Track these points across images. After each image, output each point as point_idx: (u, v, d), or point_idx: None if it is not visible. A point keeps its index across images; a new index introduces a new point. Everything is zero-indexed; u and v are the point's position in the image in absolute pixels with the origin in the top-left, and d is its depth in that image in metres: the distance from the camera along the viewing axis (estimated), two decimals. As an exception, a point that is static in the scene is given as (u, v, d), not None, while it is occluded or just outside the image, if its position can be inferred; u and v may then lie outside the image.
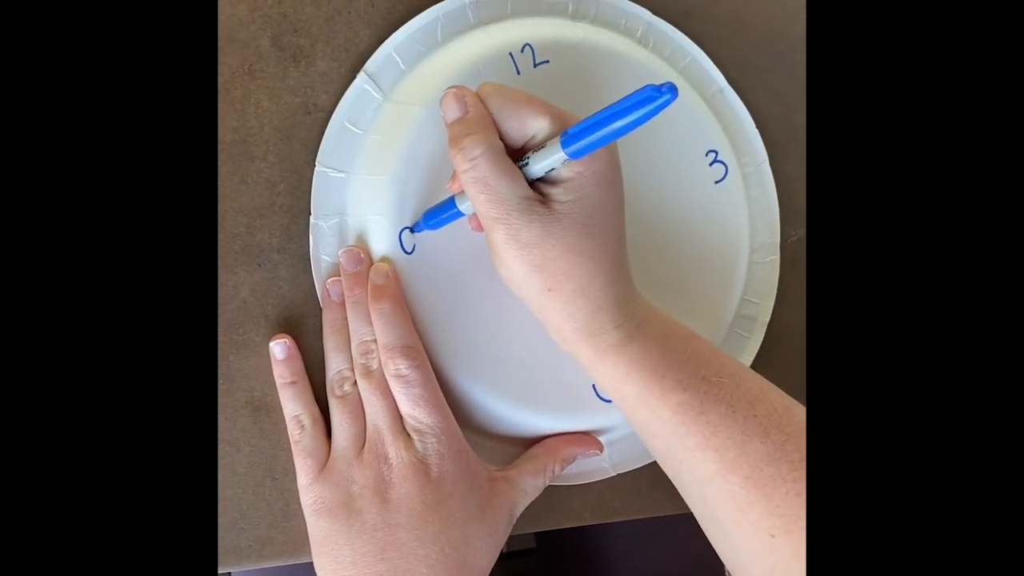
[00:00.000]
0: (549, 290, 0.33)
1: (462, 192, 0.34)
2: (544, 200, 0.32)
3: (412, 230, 0.37)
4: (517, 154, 0.32)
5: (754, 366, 0.44)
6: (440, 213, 0.36)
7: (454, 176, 0.34)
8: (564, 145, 0.30)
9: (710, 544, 0.36)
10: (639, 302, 0.35)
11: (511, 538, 0.43)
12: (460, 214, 0.35)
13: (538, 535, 0.64)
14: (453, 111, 0.33)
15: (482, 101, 0.33)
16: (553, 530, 0.42)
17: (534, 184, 0.32)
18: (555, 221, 0.31)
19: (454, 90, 0.33)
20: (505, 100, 0.33)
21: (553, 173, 0.32)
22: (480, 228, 0.34)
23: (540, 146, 0.31)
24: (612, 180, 0.33)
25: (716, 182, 0.41)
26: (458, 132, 0.32)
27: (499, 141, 0.32)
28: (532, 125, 0.32)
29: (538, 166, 0.31)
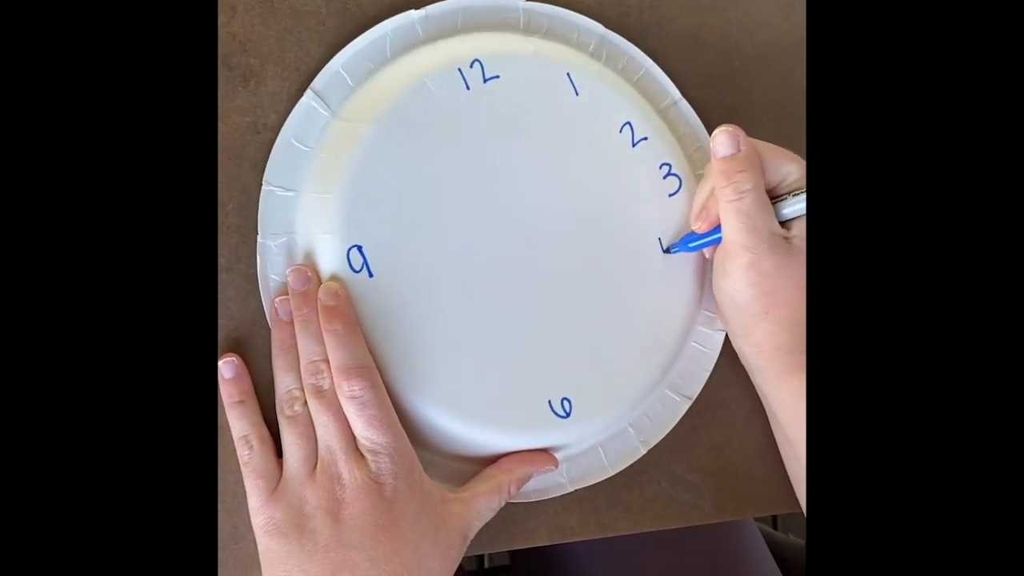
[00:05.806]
0: (766, 312, 0.38)
1: (718, 224, 0.39)
2: (787, 237, 0.37)
3: (669, 251, 0.41)
4: (768, 194, 0.38)
5: (712, 379, 0.44)
6: (702, 238, 0.40)
7: (700, 214, 0.40)
8: None
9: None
10: None
11: (487, 555, 0.43)
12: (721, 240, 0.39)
13: (513, 551, 0.63)
14: (727, 147, 0.37)
15: None
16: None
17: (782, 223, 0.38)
18: (792, 256, 0.37)
19: (729, 129, 0.37)
20: (762, 147, 0.38)
21: (799, 218, 0.37)
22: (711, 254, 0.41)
23: (791, 189, 0.37)
24: None
25: (670, 195, 0.41)
26: (730, 167, 0.37)
27: (763, 180, 0.37)
28: (785, 168, 0.38)
29: (798, 206, 0.37)
